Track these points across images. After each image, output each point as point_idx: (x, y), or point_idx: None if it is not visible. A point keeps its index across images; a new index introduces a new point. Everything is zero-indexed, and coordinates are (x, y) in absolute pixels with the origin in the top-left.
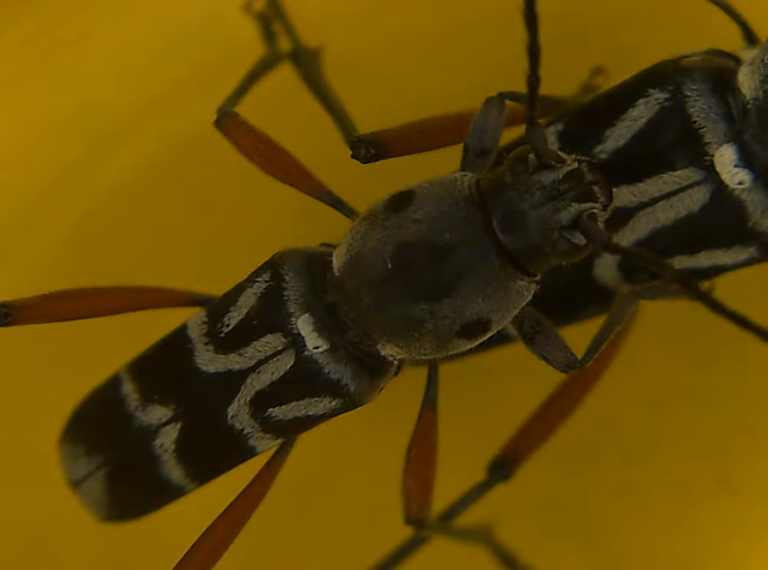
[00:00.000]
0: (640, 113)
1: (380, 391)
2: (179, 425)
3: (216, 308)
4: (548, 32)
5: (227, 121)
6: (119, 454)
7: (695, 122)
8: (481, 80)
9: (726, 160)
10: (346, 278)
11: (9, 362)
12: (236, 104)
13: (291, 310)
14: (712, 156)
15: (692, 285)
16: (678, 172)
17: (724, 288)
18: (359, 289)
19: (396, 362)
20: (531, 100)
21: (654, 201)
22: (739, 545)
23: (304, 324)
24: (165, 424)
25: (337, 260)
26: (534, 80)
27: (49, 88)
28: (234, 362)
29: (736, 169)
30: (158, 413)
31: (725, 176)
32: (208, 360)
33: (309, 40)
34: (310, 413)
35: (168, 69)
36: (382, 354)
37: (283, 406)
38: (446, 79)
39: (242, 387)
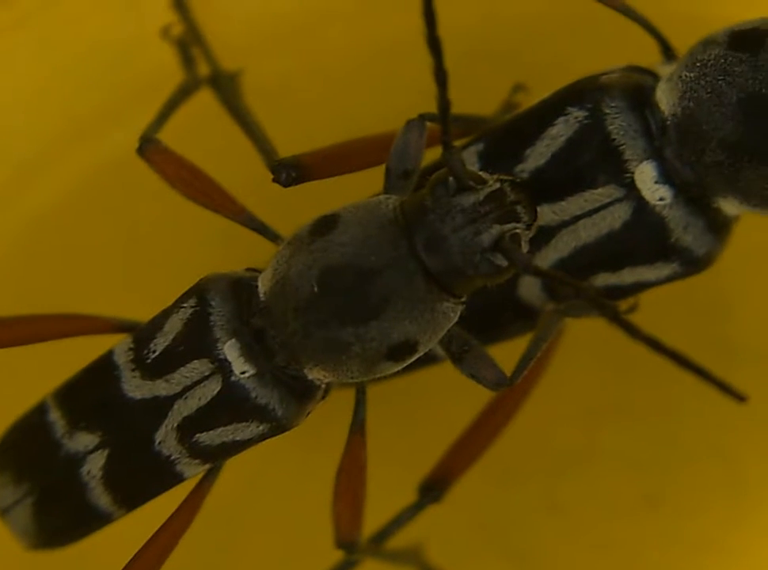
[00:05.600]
0: (559, 131)
1: (308, 415)
2: (106, 452)
3: (142, 334)
4: (467, 51)
5: (149, 148)
6: (46, 481)
7: (615, 139)
8: (402, 103)
9: (646, 176)
10: (272, 302)
11: None
12: (158, 131)
13: (218, 336)
14: (633, 173)
15: (608, 307)
16: (600, 190)
17: (648, 306)
18: (286, 313)
19: (323, 386)
20: (444, 124)
21: (576, 219)
22: (667, 558)
23: (230, 350)
24: (92, 451)
25: (263, 285)
26: (444, 103)
27: None
28: (161, 388)
29: (657, 186)
30: (85, 440)
31: (646, 193)
32: (135, 386)
33: (228, 65)
34: (238, 438)
35: (90, 95)
36: (310, 378)
37: (211, 431)
38: (368, 102)
39: (169, 413)
